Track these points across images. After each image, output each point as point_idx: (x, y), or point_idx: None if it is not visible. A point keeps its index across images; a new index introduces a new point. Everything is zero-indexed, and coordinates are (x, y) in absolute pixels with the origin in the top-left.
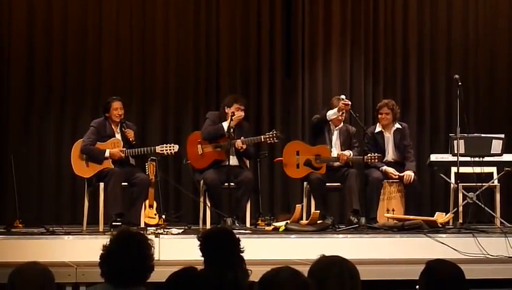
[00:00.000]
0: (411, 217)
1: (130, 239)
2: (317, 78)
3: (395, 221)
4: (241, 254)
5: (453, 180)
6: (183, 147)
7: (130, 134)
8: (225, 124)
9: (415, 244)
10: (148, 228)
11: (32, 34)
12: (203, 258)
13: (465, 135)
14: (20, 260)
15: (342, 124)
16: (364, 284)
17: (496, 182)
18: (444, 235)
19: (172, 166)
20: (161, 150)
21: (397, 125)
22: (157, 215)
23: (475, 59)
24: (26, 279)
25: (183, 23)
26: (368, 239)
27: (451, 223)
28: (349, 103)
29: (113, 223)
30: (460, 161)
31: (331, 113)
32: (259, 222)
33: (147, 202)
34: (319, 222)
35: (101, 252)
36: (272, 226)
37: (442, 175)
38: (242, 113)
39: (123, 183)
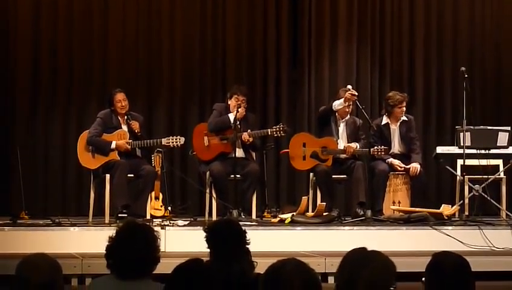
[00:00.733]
0: (417, 209)
1: (136, 231)
2: (324, 71)
3: (401, 213)
4: (247, 246)
5: (459, 172)
6: (189, 139)
7: (136, 125)
8: (231, 116)
9: (420, 237)
10: (154, 220)
11: (38, 25)
12: (208, 250)
13: (471, 127)
14: (26, 252)
15: (348, 116)
16: None
17: (502, 175)
18: (449, 227)
19: (178, 158)
20: (167, 142)
21: (403, 118)
22: (163, 207)
23: (481, 51)
24: (35, 270)
25: (189, 14)
26: (374, 231)
27: (457, 215)
28: (356, 93)
29: (119, 215)
30: (466, 153)
31: (338, 104)
32: (265, 213)
33: (153, 193)
34: (325, 214)
35: (107, 243)
36: (278, 218)
37: (448, 167)
38: (243, 111)
39: (129, 175)
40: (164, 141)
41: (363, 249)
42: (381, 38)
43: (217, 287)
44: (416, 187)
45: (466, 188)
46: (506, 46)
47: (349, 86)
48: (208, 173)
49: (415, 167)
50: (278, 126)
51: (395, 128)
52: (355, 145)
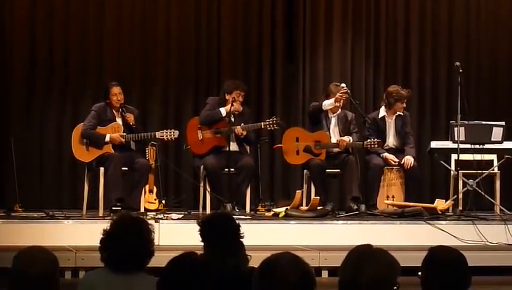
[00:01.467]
0: (411, 203)
1: (130, 224)
2: (318, 65)
3: (395, 208)
4: (241, 240)
5: (453, 167)
6: (183, 133)
7: (130, 118)
8: (223, 110)
9: (414, 231)
10: (148, 213)
11: (34, 18)
12: (202, 244)
13: (466, 122)
14: (19, 244)
15: (339, 110)
16: None
17: (496, 170)
18: (443, 222)
19: (172, 151)
20: (161, 136)
21: (399, 112)
22: (157, 200)
23: (477, 47)
24: (32, 263)
25: (185, 8)
26: (368, 226)
27: (451, 210)
28: (348, 91)
29: (113, 208)
30: (460, 148)
31: (327, 104)
32: (259, 207)
33: (147, 187)
34: (319, 208)
35: (101, 236)
36: (272, 212)
37: (442, 162)
38: (240, 107)
39: (123, 168)
40: (158, 134)
41: (369, 246)
42: (375, 33)
43: (211, 280)
44: (411, 182)
45: (460, 182)
46: (501, 41)
47: (343, 84)
48: (202, 166)
49: (408, 159)
50: (271, 119)
51: (391, 122)
52: (348, 138)
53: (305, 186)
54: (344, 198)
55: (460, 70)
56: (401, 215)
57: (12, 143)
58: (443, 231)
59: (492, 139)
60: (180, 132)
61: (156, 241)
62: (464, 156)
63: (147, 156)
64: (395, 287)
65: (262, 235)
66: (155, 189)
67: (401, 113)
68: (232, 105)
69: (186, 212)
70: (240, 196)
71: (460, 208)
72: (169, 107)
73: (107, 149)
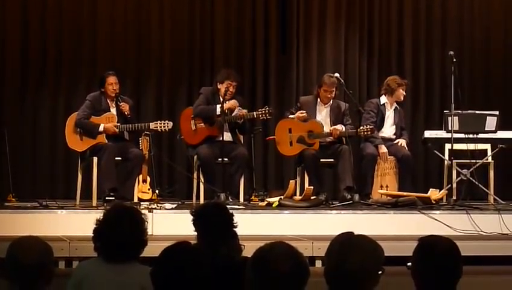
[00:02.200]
0: (405, 193)
1: (124, 214)
2: (312, 55)
3: (388, 197)
4: (235, 229)
5: (447, 156)
6: (177, 123)
7: (125, 107)
8: (218, 107)
9: (408, 221)
10: (142, 203)
11: (27, 9)
12: (196, 233)
13: (460, 111)
14: (13, 234)
15: (331, 101)
16: None
17: (489, 159)
18: (437, 211)
19: (166, 141)
20: (155, 126)
21: (396, 105)
22: (150, 190)
23: (470, 36)
24: (26, 252)
25: (178, 1)
26: (362, 215)
27: (444, 199)
28: (341, 81)
29: (107, 198)
30: (454, 138)
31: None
32: (253, 197)
33: (141, 176)
34: (312, 197)
35: (94, 226)
36: (266, 202)
37: (436, 152)
38: (235, 104)
39: (117, 158)
40: (152, 125)
41: (351, 233)
42: (369, 23)
43: (204, 270)
44: (404, 171)
45: (454, 172)
46: (494, 30)
47: (336, 74)
48: (195, 156)
49: (401, 141)
50: (263, 109)
51: (389, 112)
52: (341, 127)
53: (298, 176)
54: (338, 188)
55: (454, 60)
56: (394, 205)
57: (5, 133)
58: (437, 220)
59: (486, 129)
60: (173, 122)
61: (149, 231)
62: (457, 146)
63: (140, 146)
64: (379, 272)
65: (255, 225)
66: (148, 179)
67: (398, 107)
68: (224, 101)
69: (179, 202)
70: (233, 185)
71: (454, 197)
72: (163, 97)
73: (100, 139)
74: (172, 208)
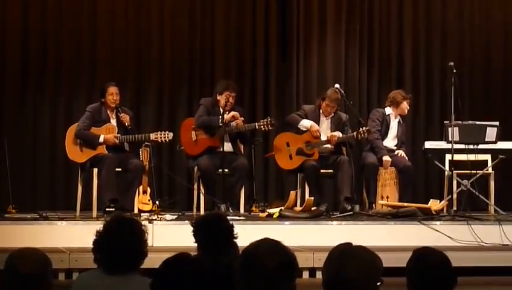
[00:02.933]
0: (405, 204)
1: (124, 225)
2: (312, 64)
3: (389, 208)
4: (235, 241)
5: (447, 167)
6: (177, 133)
7: (126, 118)
8: (221, 118)
9: (409, 232)
10: (142, 214)
11: (27, 19)
12: (196, 245)
13: (460, 122)
14: (13, 246)
15: (333, 114)
16: None
17: (490, 170)
18: (438, 222)
19: (166, 152)
20: (156, 137)
21: (399, 118)
22: (150, 201)
23: (470, 47)
24: (24, 263)
25: (178, 8)
26: (362, 226)
27: (445, 210)
28: (319, 137)
29: (107, 209)
30: (454, 148)
31: (304, 125)
32: (253, 208)
33: (141, 187)
34: (313, 208)
35: (94, 237)
36: (266, 213)
37: (436, 162)
38: (236, 115)
39: (117, 169)
40: (152, 135)
41: (349, 244)
42: (369, 33)
43: (204, 281)
44: (405, 182)
45: (454, 183)
46: (494, 40)
47: (336, 85)
48: (195, 167)
49: (401, 152)
50: (265, 120)
51: (393, 124)
52: (338, 133)
53: (299, 186)
54: (338, 199)
55: (454, 71)
56: (395, 215)
57: (5, 144)
58: (437, 231)
59: (486, 140)
60: (173, 133)
61: (149, 243)
62: (458, 156)
63: (140, 157)
64: (378, 283)
65: (256, 236)
66: (149, 190)
67: (400, 121)
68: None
69: (180, 213)
70: (234, 196)
71: (454, 208)
72: (163, 108)
73: (100, 150)
74: (172, 219)
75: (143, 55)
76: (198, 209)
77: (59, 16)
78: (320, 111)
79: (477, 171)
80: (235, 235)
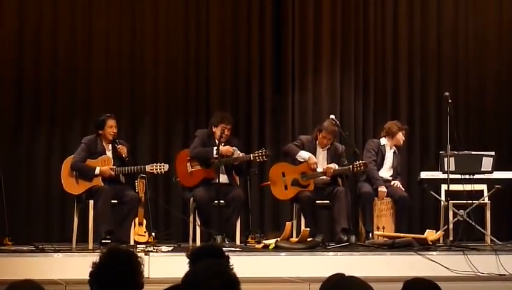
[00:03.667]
0: (401, 234)
1: (120, 256)
2: (307, 96)
3: (385, 239)
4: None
5: (443, 197)
6: (173, 165)
7: (123, 150)
8: (215, 149)
9: (405, 262)
10: (138, 246)
11: (22, 53)
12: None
13: (456, 152)
14: (9, 278)
15: (329, 145)
16: None
17: (486, 200)
18: (434, 252)
19: (162, 183)
20: (151, 169)
21: (394, 148)
22: (146, 232)
23: (465, 77)
24: None
25: (173, 41)
26: (358, 257)
27: (441, 240)
28: (315, 169)
29: (103, 241)
30: (450, 179)
31: (302, 156)
32: (249, 239)
33: (137, 219)
34: (309, 239)
35: (91, 269)
36: (262, 244)
37: (432, 192)
38: (231, 149)
39: (113, 201)
40: (148, 167)
41: (342, 275)
42: (364, 64)
43: None
44: (401, 212)
45: (450, 213)
46: (489, 69)
47: (332, 116)
48: (191, 199)
49: (396, 182)
50: (260, 151)
51: (388, 155)
52: (334, 165)
53: (295, 217)
54: (334, 229)
55: (450, 101)
56: (391, 246)
57: (1, 176)
58: (434, 261)
59: (482, 169)
60: (169, 164)
61: (145, 274)
62: (454, 187)
63: (136, 188)
64: None
65: (252, 267)
66: (145, 221)
67: (396, 151)
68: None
69: (176, 245)
70: (229, 227)
71: (451, 238)
72: (159, 139)
73: (96, 182)
74: (168, 251)
75: (138, 86)
76: (194, 240)
77: (54, 48)
78: (317, 142)
79: (474, 201)
80: (231, 267)
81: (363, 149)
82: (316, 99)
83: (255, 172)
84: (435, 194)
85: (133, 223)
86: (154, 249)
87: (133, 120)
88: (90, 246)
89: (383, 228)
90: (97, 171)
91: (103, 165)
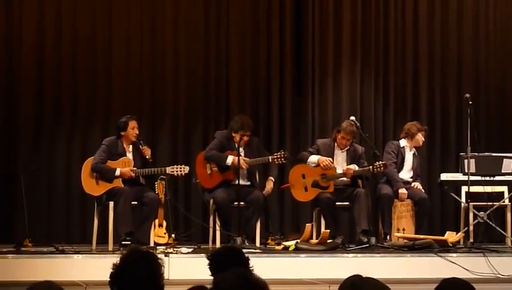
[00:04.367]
0: (421, 236)
1: (140, 258)
2: (327, 98)
3: (405, 240)
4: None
5: (463, 199)
6: (192, 166)
7: (147, 151)
8: (230, 159)
9: (425, 264)
10: (158, 247)
11: (42, 54)
12: (212, 277)
13: (476, 154)
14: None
15: (348, 147)
16: None
17: (506, 201)
18: (454, 254)
19: (181, 185)
20: (172, 171)
21: (414, 150)
22: (166, 234)
23: (486, 78)
24: None
25: (193, 43)
26: (378, 259)
27: (461, 242)
28: (331, 166)
29: (123, 242)
30: (471, 180)
31: (311, 161)
32: (269, 241)
33: (157, 221)
34: (329, 241)
35: (111, 271)
36: (282, 246)
37: (452, 194)
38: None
39: (133, 202)
40: (168, 169)
41: (359, 276)
42: (384, 66)
43: None
44: (421, 214)
45: (471, 215)
46: (510, 73)
47: (352, 117)
48: (211, 200)
49: (417, 184)
50: (279, 153)
51: (409, 157)
52: (354, 166)
53: (315, 219)
54: (354, 231)
55: (470, 102)
56: (411, 248)
57: (21, 178)
58: (454, 263)
59: (502, 171)
60: (189, 165)
61: (165, 276)
62: (474, 188)
63: (156, 190)
64: None
65: (272, 268)
66: (165, 223)
67: (416, 153)
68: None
69: (195, 246)
70: (249, 229)
71: (471, 240)
72: (179, 141)
73: (116, 183)
74: (188, 252)
75: (158, 87)
76: (214, 242)
77: (74, 49)
78: (335, 144)
79: (494, 203)
80: (251, 268)
81: (383, 151)
82: (336, 101)
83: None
84: (455, 196)
85: (153, 224)
86: (174, 250)
87: (153, 122)
88: (110, 247)
89: (403, 229)
90: (117, 172)
91: (124, 166)
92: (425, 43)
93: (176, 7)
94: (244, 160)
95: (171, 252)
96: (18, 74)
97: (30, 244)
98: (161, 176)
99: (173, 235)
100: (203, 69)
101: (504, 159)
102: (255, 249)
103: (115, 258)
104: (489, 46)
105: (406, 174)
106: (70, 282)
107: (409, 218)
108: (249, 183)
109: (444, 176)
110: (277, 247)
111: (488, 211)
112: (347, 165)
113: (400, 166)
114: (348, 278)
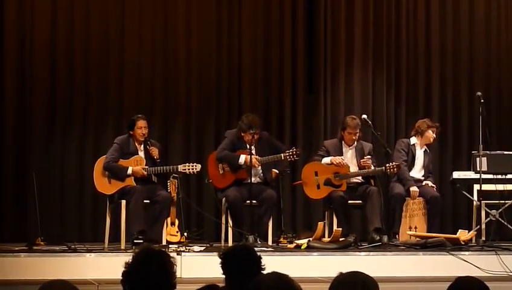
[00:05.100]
0: (434, 234)
1: (152, 257)
2: (339, 96)
3: (417, 239)
4: (263, 272)
5: (475, 197)
6: (205, 166)
7: (155, 152)
8: (242, 159)
9: (437, 262)
10: (170, 246)
11: (55, 54)
12: (224, 276)
13: (488, 152)
14: (42, 278)
15: (355, 143)
16: None
17: None
18: (466, 252)
19: (194, 184)
20: (184, 169)
21: (425, 147)
22: (179, 232)
23: (497, 76)
24: None
25: (205, 42)
26: (391, 257)
27: (474, 240)
28: (344, 165)
29: (135, 241)
30: (483, 178)
31: (325, 162)
32: (281, 239)
33: (169, 219)
34: (341, 239)
35: (123, 269)
36: (294, 244)
37: (464, 192)
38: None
39: (145, 201)
40: (181, 167)
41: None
42: (396, 62)
43: None
44: (433, 212)
45: (483, 213)
46: None
47: (364, 116)
48: (224, 199)
49: (429, 182)
50: (291, 150)
51: (419, 154)
52: (367, 158)
53: (327, 217)
54: (366, 229)
55: (482, 100)
56: (423, 246)
57: (34, 176)
58: (466, 261)
59: None
60: (201, 164)
61: (178, 274)
62: (486, 186)
63: (168, 188)
64: None
65: (284, 267)
66: (177, 221)
67: (427, 150)
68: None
69: (208, 245)
70: (262, 227)
71: (483, 238)
72: (191, 139)
73: (129, 182)
74: (200, 251)
75: (170, 86)
76: (226, 240)
77: (87, 51)
78: (343, 142)
79: (506, 201)
80: (263, 267)
81: (394, 149)
82: (348, 98)
83: (287, 171)
84: (467, 194)
85: (165, 223)
86: (186, 249)
87: (166, 120)
88: (123, 246)
89: (415, 227)
90: (129, 171)
91: (135, 165)
92: (437, 41)
93: (188, 6)
94: (256, 158)
95: (184, 251)
96: (30, 74)
97: (42, 243)
98: (173, 175)
99: (185, 234)
100: (215, 68)
101: None
102: (267, 248)
103: (127, 257)
104: (500, 45)
105: (417, 173)
106: (83, 281)
107: (421, 216)
108: (261, 181)
109: (456, 174)
110: (289, 245)
111: (500, 209)
112: (356, 161)
113: (410, 164)
114: (340, 274)
